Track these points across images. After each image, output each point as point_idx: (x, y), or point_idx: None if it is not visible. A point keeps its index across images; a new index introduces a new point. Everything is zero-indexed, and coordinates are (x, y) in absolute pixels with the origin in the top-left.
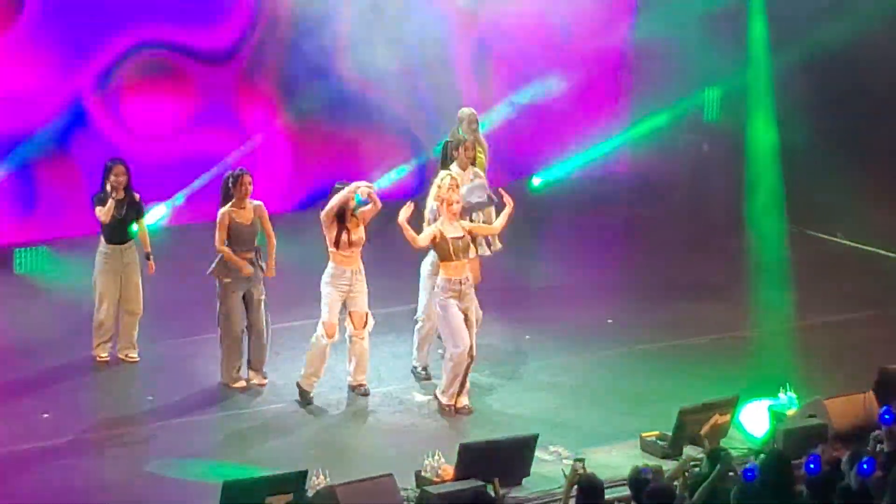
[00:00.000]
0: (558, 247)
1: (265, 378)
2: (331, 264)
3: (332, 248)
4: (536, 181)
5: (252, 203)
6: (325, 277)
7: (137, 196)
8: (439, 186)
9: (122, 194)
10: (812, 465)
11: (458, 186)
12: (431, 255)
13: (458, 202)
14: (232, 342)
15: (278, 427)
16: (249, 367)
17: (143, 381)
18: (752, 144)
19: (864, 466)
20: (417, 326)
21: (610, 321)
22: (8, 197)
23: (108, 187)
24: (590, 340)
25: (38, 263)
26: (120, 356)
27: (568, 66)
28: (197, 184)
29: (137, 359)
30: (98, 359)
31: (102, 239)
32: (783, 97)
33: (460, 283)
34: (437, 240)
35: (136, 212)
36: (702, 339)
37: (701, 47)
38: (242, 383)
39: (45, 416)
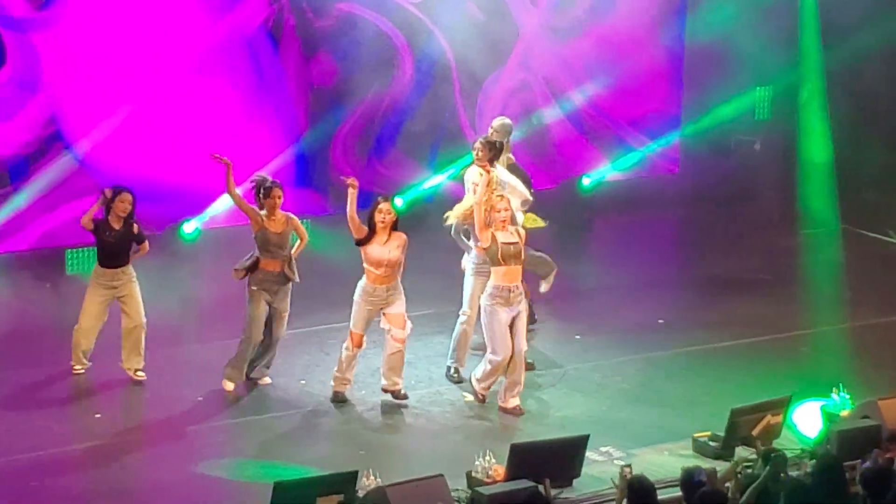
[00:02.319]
0: (609, 247)
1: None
2: (364, 280)
3: (364, 266)
4: (587, 181)
5: (284, 214)
6: (358, 291)
7: (137, 228)
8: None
9: (120, 224)
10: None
11: (494, 188)
12: (473, 252)
13: (505, 209)
14: (247, 346)
15: (328, 428)
16: (252, 366)
17: (193, 382)
18: (804, 143)
19: None
20: (460, 321)
21: (662, 321)
22: (62, 199)
23: (110, 212)
24: (641, 340)
25: (89, 264)
26: (129, 373)
27: (619, 65)
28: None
29: (144, 376)
30: (73, 371)
31: (98, 258)
32: (835, 95)
33: (510, 290)
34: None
35: (136, 240)
36: (754, 339)
37: (752, 46)
38: (231, 386)
39: (98, 416)
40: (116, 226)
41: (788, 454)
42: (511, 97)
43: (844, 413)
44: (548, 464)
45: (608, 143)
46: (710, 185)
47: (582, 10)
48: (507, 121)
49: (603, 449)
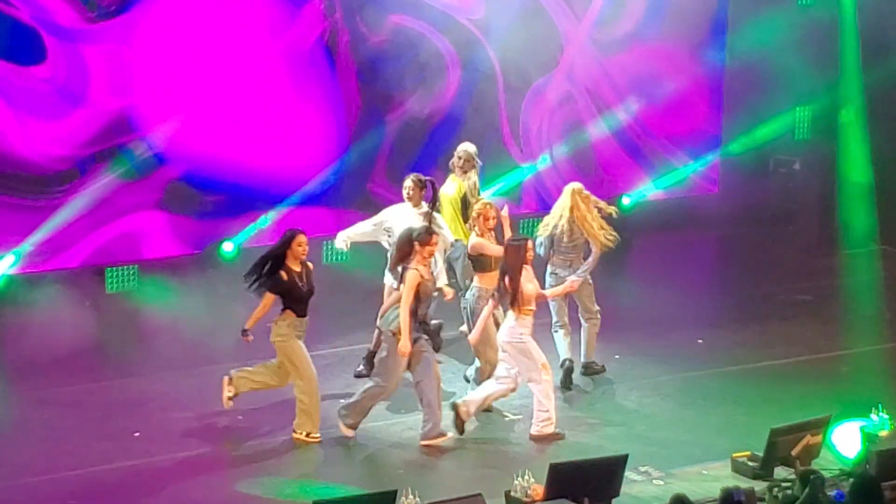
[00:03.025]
0: (648, 266)
1: None
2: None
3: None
4: (626, 201)
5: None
6: (517, 334)
7: (310, 265)
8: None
9: (300, 267)
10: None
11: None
12: None
13: (494, 218)
14: (378, 395)
15: (366, 447)
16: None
17: (233, 401)
18: (844, 163)
19: None
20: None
21: (700, 341)
22: (105, 217)
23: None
24: (680, 360)
25: (128, 283)
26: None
27: (660, 83)
28: None
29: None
30: (315, 440)
31: (290, 312)
32: (875, 115)
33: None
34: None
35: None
36: (794, 360)
37: (792, 66)
38: (352, 434)
39: (137, 434)
40: (298, 269)
41: (827, 474)
42: (556, 109)
43: (884, 433)
44: (587, 483)
45: (649, 161)
46: (750, 205)
47: (626, 27)
48: (472, 147)
49: (642, 468)
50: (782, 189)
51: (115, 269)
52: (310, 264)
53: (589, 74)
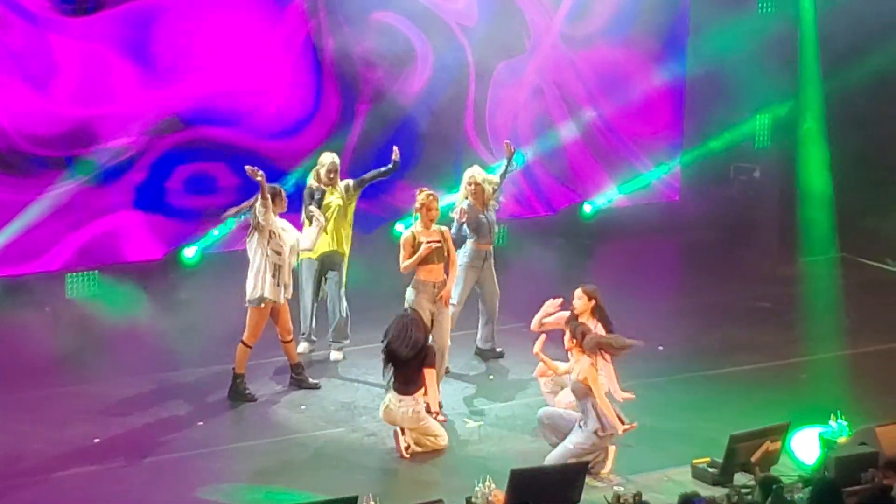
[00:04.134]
0: (608, 273)
1: None
2: None
3: None
4: (588, 208)
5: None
6: None
7: None
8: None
9: None
10: None
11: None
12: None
13: (436, 210)
14: None
15: (328, 453)
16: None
17: (194, 407)
18: (804, 171)
19: None
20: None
21: (661, 348)
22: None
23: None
24: (641, 367)
25: (89, 288)
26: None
27: (623, 88)
28: None
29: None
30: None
31: None
32: (834, 123)
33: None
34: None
35: None
36: (753, 366)
37: (752, 74)
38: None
39: (97, 440)
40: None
41: (785, 481)
42: (526, 104)
43: (842, 440)
44: (548, 490)
45: (614, 164)
46: (710, 212)
47: (595, 25)
48: (335, 158)
49: (603, 474)
50: (742, 197)
51: (75, 274)
52: None
53: (558, 69)
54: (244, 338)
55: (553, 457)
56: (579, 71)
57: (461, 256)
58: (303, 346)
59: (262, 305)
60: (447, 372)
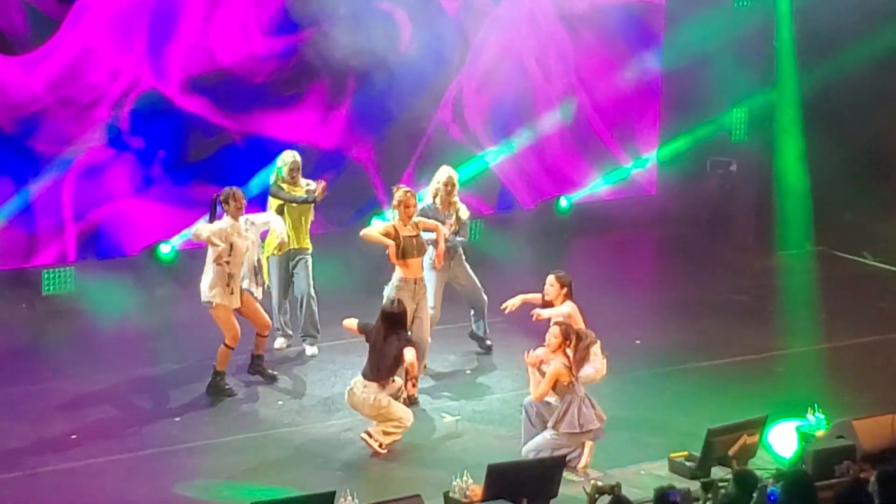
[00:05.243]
0: (585, 267)
1: None
2: None
3: None
4: (564, 202)
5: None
6: None
7: None
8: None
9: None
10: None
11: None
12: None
13: (414, 206)
14: None
15: (305, 448)
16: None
17: (170, 403)
18: (780, 165)
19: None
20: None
21: (638, 342)
22: (36, 220)
23: None
24: (618, 361)
25: (65, 284)
26: None
27: (595, 88)
28: None
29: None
30: None
31: None
32: (810, 117)
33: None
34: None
35: None
36: (730, 360)
37: (728, 68)
38: None
39: (74, 437)
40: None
41: (763, 474)
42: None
43: (819, 433)
44: (525, 484)
45: (590, 158)
46: (687, 206)
47: (571, 17)
48: (297, 156)
49: (580, 468)
50: (719, 191)
51: (51, 270)
52: None
53: (524, 80)
54: (225, 340)
55: (531, 446)
56: (555, 64)
57: (426, 259)
58: (280, 342)
59: (214, 306)
60: (424, 369)
